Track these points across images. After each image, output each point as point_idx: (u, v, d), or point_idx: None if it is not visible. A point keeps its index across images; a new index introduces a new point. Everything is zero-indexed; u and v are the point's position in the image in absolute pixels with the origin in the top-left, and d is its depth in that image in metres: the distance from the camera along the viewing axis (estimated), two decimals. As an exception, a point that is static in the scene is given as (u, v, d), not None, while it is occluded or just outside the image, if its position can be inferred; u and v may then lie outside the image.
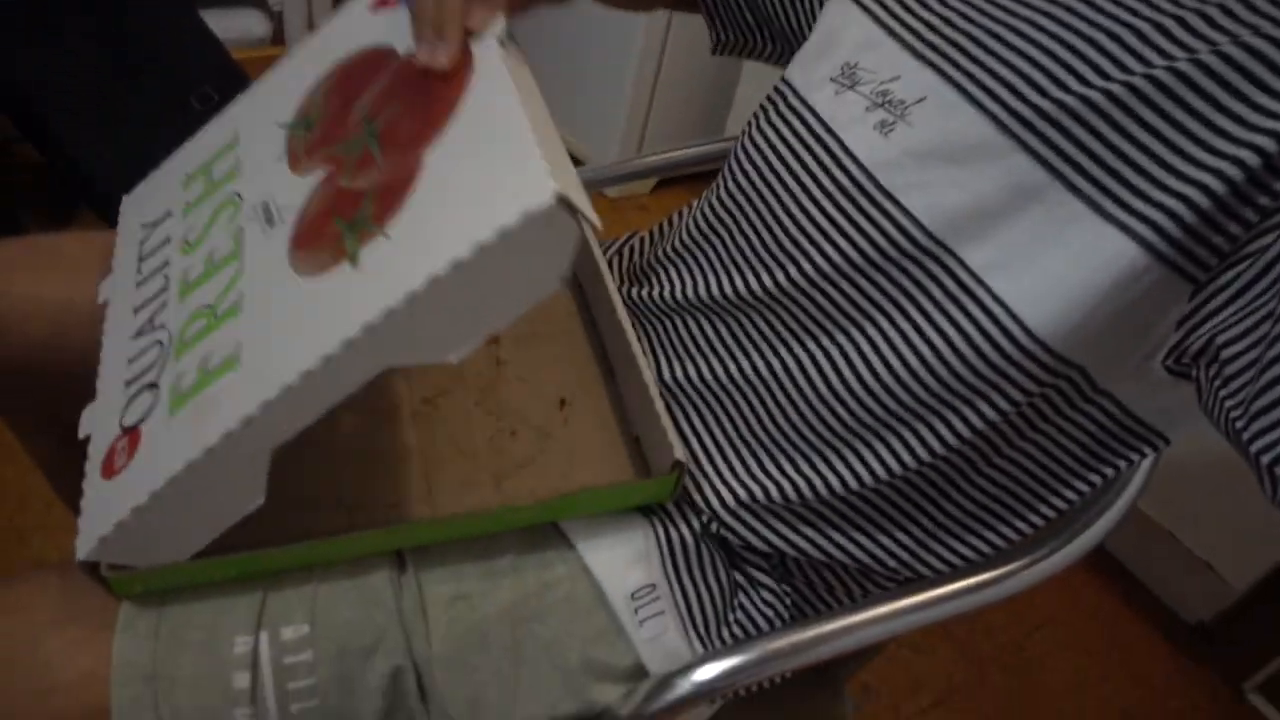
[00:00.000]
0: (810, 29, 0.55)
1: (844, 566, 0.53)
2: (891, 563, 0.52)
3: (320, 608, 0.46)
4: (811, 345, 0.49)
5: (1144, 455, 0.49)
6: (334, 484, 0.49)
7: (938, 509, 0.51)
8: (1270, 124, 0.36)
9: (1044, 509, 0.51)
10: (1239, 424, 0.36)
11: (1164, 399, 0.45)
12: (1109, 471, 0.49)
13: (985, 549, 0.52)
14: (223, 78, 1.47)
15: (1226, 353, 0.38)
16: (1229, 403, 0.37)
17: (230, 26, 1.64)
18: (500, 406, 0.55)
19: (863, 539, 0.52)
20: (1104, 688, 1.18)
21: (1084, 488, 0.50)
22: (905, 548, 0.52)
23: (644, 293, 0.59)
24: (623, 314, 0.57)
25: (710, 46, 0.69)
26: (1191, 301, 0.39)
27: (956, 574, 0.51)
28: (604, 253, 0.68)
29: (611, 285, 0.59)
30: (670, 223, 0.65)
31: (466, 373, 0.56)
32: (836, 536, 0.51)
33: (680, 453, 0.49)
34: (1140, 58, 0.39)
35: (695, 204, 0.60)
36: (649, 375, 0.53)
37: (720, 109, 1.63)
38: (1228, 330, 0.38)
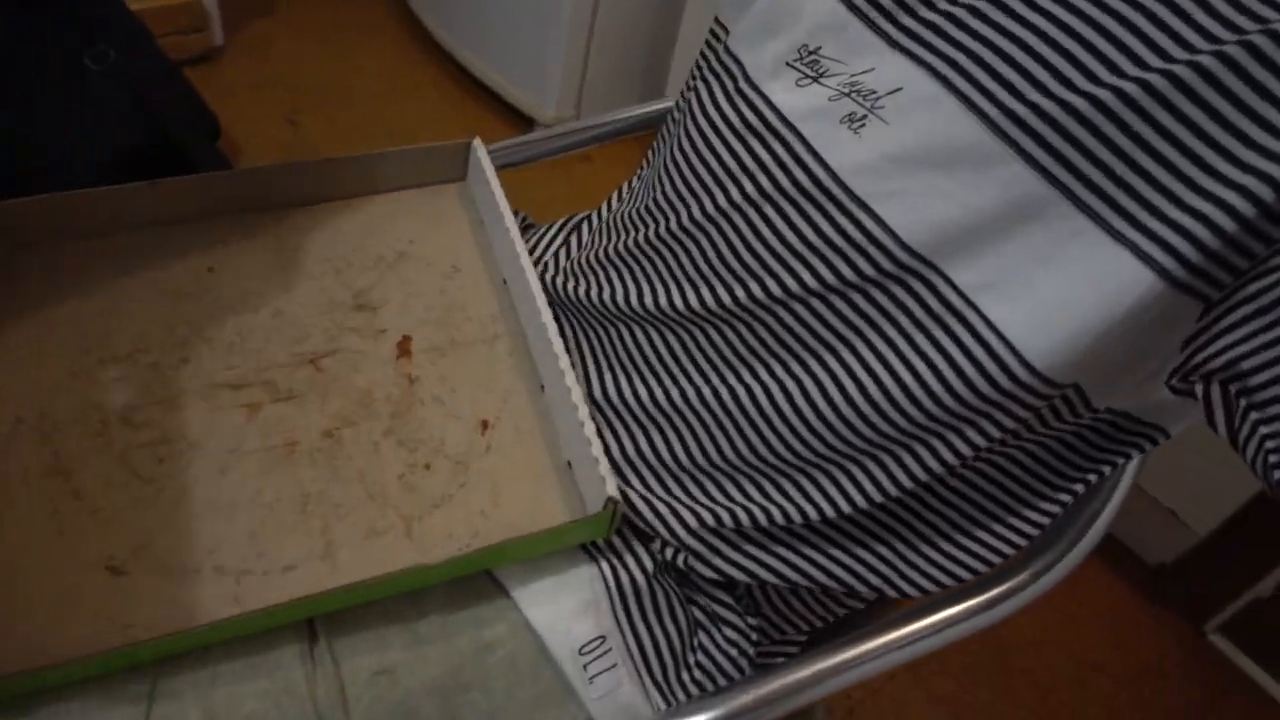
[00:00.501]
0: None
1: (820, 589, 0.49)
2: (874, 580, 0.47)
3: (219, 701, 0.40)
4: (779, 370, 0.43)
5: (1143, 451, 0.45)
6: (217, 546, 0.42)
7: (921, 520, 0.46)
8: None
9: (1034, 515, 0.46)
10: (1274, 457, 0.33)
11: (1165, 399, 0.41)
12: (1105, 469, 0.45)
13: (976, 565, 0.47)
14: (121, 33, 1.34)
15: (1258, 378, 0.33)
16: (1264, 429, 0.33)
17: (126, -26, 1.50)
18: (413, 435, 0.48)
19: (841, 555, 0.47)
20: (1071, 642, 1.18)
21: (1078, 488, 0.46)
22: (888, 562, 0.47)
23: (584, 292, 0.52)
24: (548, 321, 0.50)
25: None
26: (1201, 320, 0.34)
27: (955, 597, 0.47)
28: (546, 242, 0.61)
29: (535, 286, 0.52)
30: (620, 196, 0.58)
31: (375, 395, 0.50)
32: (814, 555, 0.47)
33: (613, 488, 0.43)
34: (1158, 49, 0.33)
35: (640, 190, 0.53)
36: (578, 394, 0.47)
37: (663, 45, 1.54)
38: (1258, 353, 0.33)
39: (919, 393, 0.38)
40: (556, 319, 0.54)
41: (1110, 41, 0.34)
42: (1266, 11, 0.31)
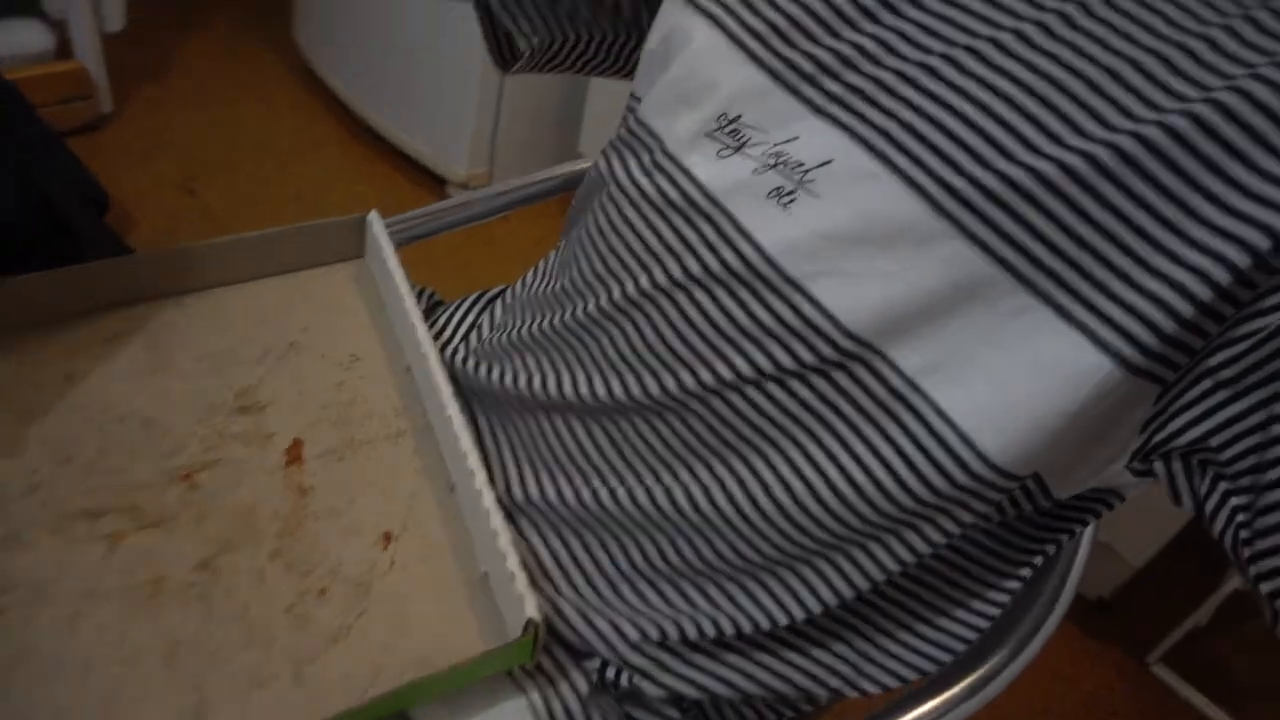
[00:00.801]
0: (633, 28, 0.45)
1: (776, 697, 0.44)
2: (834, 682, 0.43)
3: None
4: (718, 467, 0.39)
5: (1099, 516, 0.42)
6: (64, 717, 0.36)
7: (880, 614, 0.43)
8: (1259, 213, 0.29)
9: (995, 594, 0.44)
10: (1244, 533, 0.31)
11: (1122, 472, 0.38)
12: (1064, 538, 0.43)
13: (939, 655, 0.44)
14: (-6, 104, 1.25)
15: (1229, 452, 0.31)
16: (1235, 500, 0.32)
17: (2, 41, 1.41)
18: (304, 556, 0.43)
19: (798, 658, 0.43)
20: (1018, 687, 1.16)
21: (1038, 560, 0.43)
22: (848, 661, 0.43)
23: (499, 377, 0.47)
24: (455, 414, 0.45)
25: (496, 57, 0.55)
26: (1159, 401, 0.32)
27: (932, 688, 0.44)
28: (456, 322, 0.56)
29: (440, 376, 0.47)
30: (538, 271, 0.54)
31: (259, 513, 0.44)
32: (769, 660, 0.43)
33: (533, 609, 0.38)
34: (1099, 118, 0.31)
35: (557, 264, 0.49)
36: (490, 498, 0.42)
37: (576, 97, 1.52)
38: (1227, 428, 0.31)
39: (870, 490, 0.35)
40: (470, 410, 0.50)
41: (1049, 110, 0.31)
42: (1208, 79, 0.30)
